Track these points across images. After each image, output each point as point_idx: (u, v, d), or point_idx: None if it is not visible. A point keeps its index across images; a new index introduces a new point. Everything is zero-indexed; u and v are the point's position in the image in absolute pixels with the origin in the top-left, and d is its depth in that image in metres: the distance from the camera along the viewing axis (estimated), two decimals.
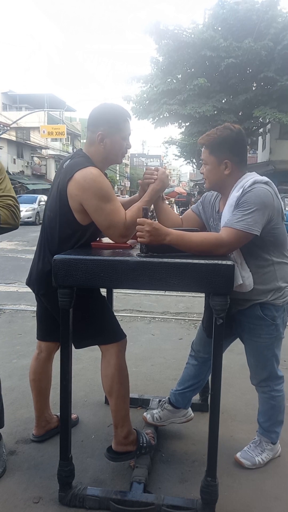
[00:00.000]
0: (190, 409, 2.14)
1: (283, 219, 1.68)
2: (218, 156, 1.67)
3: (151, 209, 1.86)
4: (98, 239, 1.80)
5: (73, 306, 1.54)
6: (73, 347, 1.65)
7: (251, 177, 1.65)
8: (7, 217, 1.67)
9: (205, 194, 1.96)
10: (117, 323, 1.82)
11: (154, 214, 1.93)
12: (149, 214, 1.60)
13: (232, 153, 1.67)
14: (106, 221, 1.62)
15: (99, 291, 1.79)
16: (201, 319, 2.03)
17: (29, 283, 1.83)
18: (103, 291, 2.35)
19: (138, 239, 1.49)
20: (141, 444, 1.82)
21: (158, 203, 1.85)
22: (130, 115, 1.76)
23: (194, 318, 4.16)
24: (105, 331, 1.75)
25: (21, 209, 2.13)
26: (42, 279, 1.73)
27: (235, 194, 1.62)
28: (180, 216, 1.99)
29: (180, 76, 16.12)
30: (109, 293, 2.36)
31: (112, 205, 1.62)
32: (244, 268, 1.65)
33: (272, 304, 1.70)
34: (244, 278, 1.64)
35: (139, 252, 1.51)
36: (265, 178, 1.64)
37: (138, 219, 1.50)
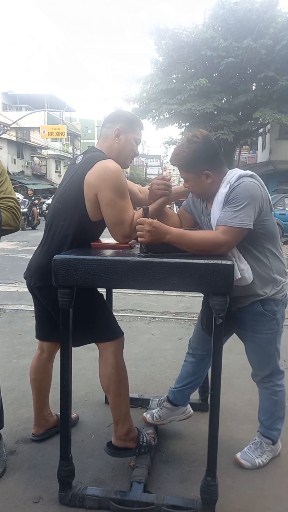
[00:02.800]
0: (189, 406, 2.13)
1: (272, 210, 1.70)
2: (195, 171, 1.67)
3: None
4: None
5: None
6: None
7: (235, 172, 1.66)
8: (9, 219, 1.67)
9: None
10: (115, 321, 1.82)
11: None
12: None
13: (207, 163, 1.66)
14: (116, 216, 1.63)
15: (96, 289, 1.79)
16: (198, 318, 2.03)
17: (26, 275, 1.81)
18: (103, 291, 2.36)
19: (139, 238, 1.49)
20: (141, 443, 1.82)
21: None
22: (143, 127, 1.83)
23: (194, 318, 4.16)
24: (102, 329, 1.75)
25: None
26: (40, 272, 1.72)
27: (222, 190, 1.64)
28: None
29: (180, 76, 16.14)
30: (109, 293, 2.36)
31: (125, 202, 1.63)
32: (242, 261, 1.65)
33: (272, 299, 1.71)
34: (244, 271, 1.64)
35: (139, 252, 1.51)
36: (249, 172, 1.65)
37: (138, 219, 1.50)
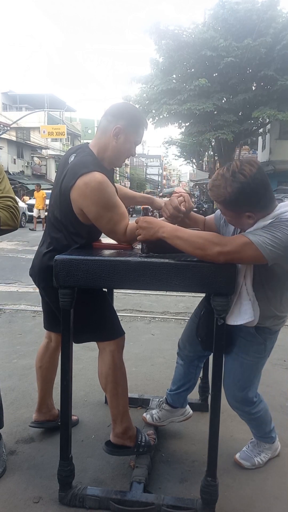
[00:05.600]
0: (188, 406, 2.13)
1: None
2: (235, 211, 1.47)
3: (152, 210, 1.86)
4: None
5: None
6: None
7: None
8: (7, 218, 1.66)
9: None
10: (117, 320, 1.82)
11: (155, 213, 1.90)
12: (150, 214, 1.60)
13: (251, 205, 1.43)
14: (106, 228, 1.63)
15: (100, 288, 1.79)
16: (190, 317, 2.01)
17: (31, 274, 1.83)
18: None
19: (138, 237, 1.50)
20: (139, 442, 1.82)
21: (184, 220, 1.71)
22: (147, 127, 1.74)
23: None
24: (103, 328, 1.75)
25: None
26: (43, 273, 1.73)
27: (268, 221, 1.43)
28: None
29: (180, 76, 16.15)
30: (110, 293, 2.36)
31: (113, 212, 1.59)
32: (254, 302, 1.56)
33: (268, 328, 1.65)
34: (255, 311, 1.56)
35: (140, 253, 1.51)
36: None
37: (136, 219, 1.51)
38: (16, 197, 1.83)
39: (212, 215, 1.84)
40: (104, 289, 1.81)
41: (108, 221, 1.60)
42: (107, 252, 1.59)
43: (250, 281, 1.54)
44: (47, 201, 16.51)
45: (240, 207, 1.44)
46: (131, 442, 1.81)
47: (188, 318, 4.25)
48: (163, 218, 1.65)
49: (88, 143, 1.74)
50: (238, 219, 1.49)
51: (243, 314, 1.54)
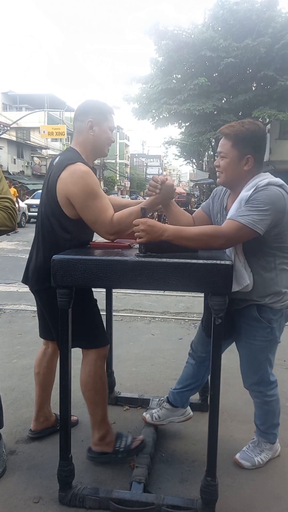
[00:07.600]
0: (189, 407, 2.13)
1: None
2: (241, 150, 1.62)
3: (154, 213, 1.85)
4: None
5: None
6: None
7: (265, 177, 1.62)
8: (5, 219, 1.67)
9: (216, 189, 1.92)
10: (103, 329, 1.81)
11: (165, 217, 1.89)
12: (149, 214, 1.60)
13: (255, 149, 1.63)
14: (92, 217, 1.65)
15: (90, 294, 1.79)
16: (201, 319, 2.03)
17: (25, 280, 1.83)
18: (103, 291, 2.35)
19: (137, 239, 1.50)
20: (117, 448, 1.83)
21: (168, 207, 1.81)
22: (114, 112, 1.85)
23: (194, 318, 4.16)
24: (87, 335, 1.75)
25: None
26: (35, 275, 1.73)
27: (245, 193, 1.59)
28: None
29: (180, 76, 16.16)
30: (109, 293, 2.36)
31: (99, 202, 1.64)
32: (247, 267, 1.63)
33: (269, 307, 1.68)
34: (248, 274, 1.62)
35: (137, 252, 1.51)
36: (280, 181, 1.60)
37: (134, 220, 1.51)
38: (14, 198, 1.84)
39: (199, 209, 1.95)
40: (94, 298, 1.81)
41: (93, 210, 1.63)
42: (104, 252, 1.60)
43: (241, 249, 1.64)
44: (25, 202, 16.10)
45: (247, 146, 1.61)
46: (109, 448, 1.83)
47: (188, 318, 4.25)
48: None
49: (71, 146, 1.81)
50: (237, 162, 1.64)
51: (239, 279, 1.62)
